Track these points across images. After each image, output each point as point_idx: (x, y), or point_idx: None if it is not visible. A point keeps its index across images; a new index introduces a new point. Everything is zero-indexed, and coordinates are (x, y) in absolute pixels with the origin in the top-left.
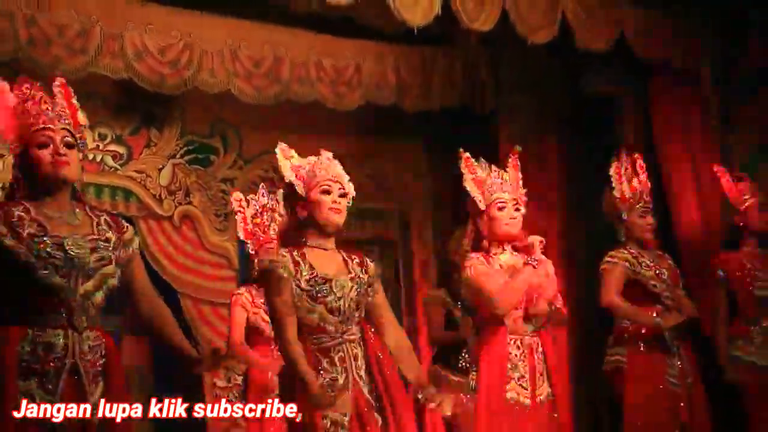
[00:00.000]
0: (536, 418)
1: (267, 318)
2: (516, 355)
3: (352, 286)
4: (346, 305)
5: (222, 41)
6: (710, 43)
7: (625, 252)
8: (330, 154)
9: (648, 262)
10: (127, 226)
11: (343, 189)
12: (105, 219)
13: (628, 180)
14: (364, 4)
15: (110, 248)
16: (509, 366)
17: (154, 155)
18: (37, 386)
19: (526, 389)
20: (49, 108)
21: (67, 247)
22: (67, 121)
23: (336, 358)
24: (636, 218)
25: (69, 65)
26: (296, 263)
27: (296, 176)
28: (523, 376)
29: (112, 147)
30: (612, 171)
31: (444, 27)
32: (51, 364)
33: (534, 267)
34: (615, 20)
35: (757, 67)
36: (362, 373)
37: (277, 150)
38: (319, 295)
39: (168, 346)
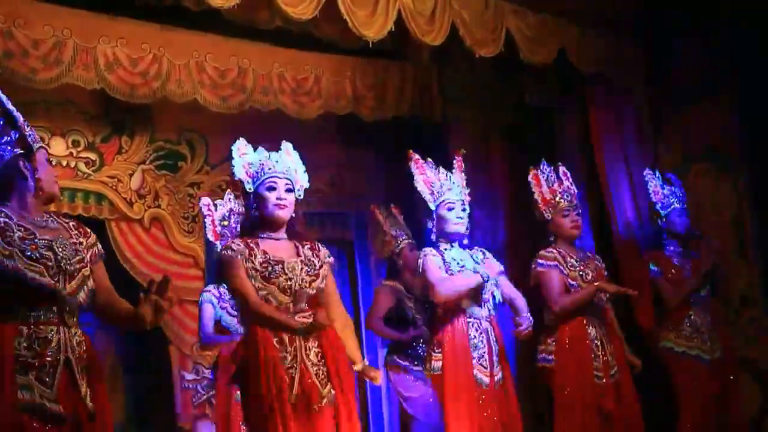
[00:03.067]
0: (496, 399)
1: (233, 312)
2: (475, 336)
3: (302, 268)
4: (297, 285)
5: (189, 53)
6: (641, 60)
7: (554, 251)
8: (289, 146)
9: (574, 263)
10: (90, 232)
11: (290, 185)
12: (73, 224)
13: (548, 185)
14: (323, 20)
15: (84, 251)
16: (471, 346)
17: (125, 161)
18: (35, 379)
19: (486, 368)
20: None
21: (56, 248)
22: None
23: (286, 338)
24: (560, 218)
25: (44, 76)
26: (250, 248)
27: (246, 173)
28: (482, 356)
29: (85, 154)
30: (530, 178)
31: (397, 42)
32: (47, 358)
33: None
34: (556, 37)
35: (682, 83)
36: (311, 354)
37: (233, 146)
38: (271, 275)
39: (119, 320)
